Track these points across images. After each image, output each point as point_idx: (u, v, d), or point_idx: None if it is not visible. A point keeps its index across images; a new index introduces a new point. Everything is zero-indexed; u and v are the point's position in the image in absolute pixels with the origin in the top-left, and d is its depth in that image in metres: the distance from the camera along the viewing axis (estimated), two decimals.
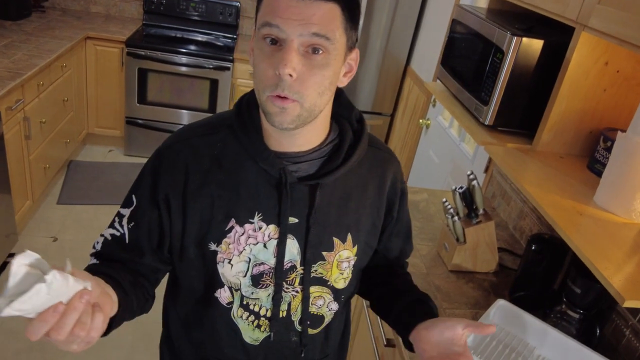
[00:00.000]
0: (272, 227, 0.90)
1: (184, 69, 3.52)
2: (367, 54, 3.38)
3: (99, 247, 0.94)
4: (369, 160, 0.96)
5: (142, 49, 3.45)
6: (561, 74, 1.30)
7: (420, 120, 2.99)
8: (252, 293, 0.94)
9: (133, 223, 0.91)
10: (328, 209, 0.91)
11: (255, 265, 0.92)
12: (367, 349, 1.71)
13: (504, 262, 1.72)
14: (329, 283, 0.96)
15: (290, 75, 0.75)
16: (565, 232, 1.04)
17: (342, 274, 0.97)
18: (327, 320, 1.02)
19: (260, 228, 0.90)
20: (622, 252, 1.03)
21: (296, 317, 0.97)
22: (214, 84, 3.56)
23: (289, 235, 0.91)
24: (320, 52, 0.76)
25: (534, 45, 1.35)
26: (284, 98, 0.77)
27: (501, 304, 1.37)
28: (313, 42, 0.75)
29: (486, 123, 1.43)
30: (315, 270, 0.94)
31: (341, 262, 0.95)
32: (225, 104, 3.62)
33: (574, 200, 1.19)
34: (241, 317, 0.96)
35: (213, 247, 0.91)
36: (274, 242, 0.90)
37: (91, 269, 0.84)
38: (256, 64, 0.80)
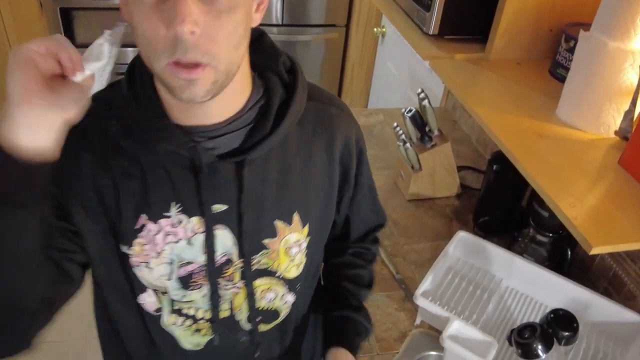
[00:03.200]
0: (195, 219, 0.72)
1: (112, 1, 3.13)
2: None
3: None
4: (312, 119, 0.77)
5: None
6: None
7: (375, 29, 2.72)
8: (183, 296, 0.77)
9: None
10: (264, 188, 0.74)
11: (182, 266, 0.75)
12: None
13: (466, 181, 1.58)
14: (278, 274, 0.81)
15: (193, 33, 0.56)
16: (522, 164, 0.87)
17: (292, 260, 0.81)
18: (283, 314, 0.87)
19: (180, 222, 0.72)
20: (588, 178, 0.88)
21: (242, 315, 0.82)
22: None
23: (219, 226, 0.74)
24: None
25: None
26: (191, 68, 0.58)
27: (461, 236, 1.24)
28: None
29: (430, 32, 1.22)
30: (259, 262, 0.78)
31: (289, 247, 0.79)
32: None
33: (533, 117, 1.01)
34: (174, 324, 0.80)
35: (124, 249, 0.73)
36: (201, 236, 0.73)
37: None
38: (137, 22, 0.59)
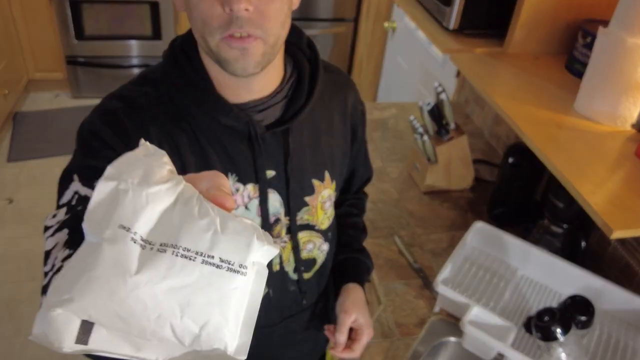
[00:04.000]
0: (250, 186, 0.80)
1: None
2: None
3: (61, 217, 0.69)
4: (328, 88, 0.87)
5: None
6: None
7: (386, 24, 2.74)
8: None
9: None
10: (302, 152, 0.83)
11: None
12: None
13: (480, 174, 1.61)
14: (316, 227, 0.91)
15: (247, 10, 0.63)
16: (542, 151, 0.90)
17: (326, 213, 0.92)
18: (319, 261, 0.97)
19: (237, 190, 0.79)
20: (606, 167, 0.91)
21: (290, 267, 0.91)
22: (154, 7, 3.21)
23: (270, 190, 0.82)
24: None
25: None
26: (242, 38, 0.66)
27: (479, 226, 1.28)
28: None
29: (450, 27, 1.25)
30: (301, 218, 0.88)
31: (324, 202, 0.90)
32: (170, 28, 3.30)
33: (552, 110, 1.05)
34: None
35: None
36: (256, 201, 0.82)
37: None
38: (193, 5, 0.66)
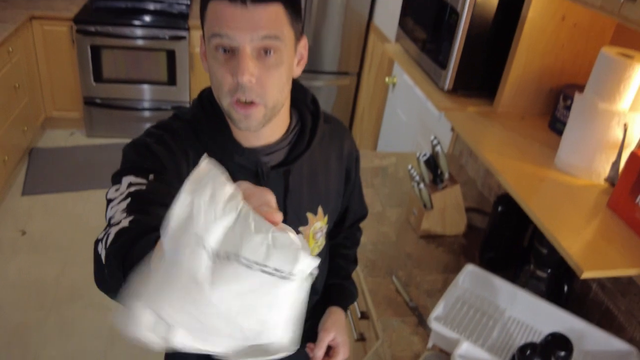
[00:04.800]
0: None
1: (138, 42, 3.36)
2: (328, 11, 3.26)
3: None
4: (327, 136, 1.01)
5: (92, 25, 3.27)
6: (518, 31, 1.26)
7: (387, 79, 2.93)
8: None
9: (153, 175, 0.82)
10: (300, 189, 0.97)
11: None
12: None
13: (473, 222, 1.72)
14: None
15: (250, 81, 0.78)
16: (525, 201, 1.02)
17: (316, 243, 1.04)
18: None
19: None
20: (582, 217, 1.03)
21: None
22: (171, 54, 3.42)
23: None
24: (272, 52, 0.79)
25: (489, 3, 1.30)
26: (247, 106, 0.80)
27: (470, 269, 1.38)
28: (264, 44, 0.77)
29: (445, 89, 1.39)
30: None
31: (315, 233, 1.02)
32: (184, 75, 3.49)
33: (535, 164, 1.17)
34: None
35: None
36: None
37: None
38: (213, 71, 0.82)
